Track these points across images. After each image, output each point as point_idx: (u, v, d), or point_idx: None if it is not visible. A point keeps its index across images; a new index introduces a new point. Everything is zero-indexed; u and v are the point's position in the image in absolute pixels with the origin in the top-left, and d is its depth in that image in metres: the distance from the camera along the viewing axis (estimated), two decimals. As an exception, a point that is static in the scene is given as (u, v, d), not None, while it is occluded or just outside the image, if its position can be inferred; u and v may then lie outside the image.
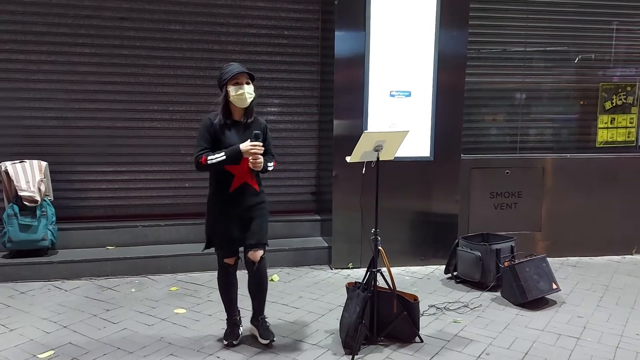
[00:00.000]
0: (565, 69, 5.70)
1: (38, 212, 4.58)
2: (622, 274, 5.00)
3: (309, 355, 3.29)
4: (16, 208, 4.55)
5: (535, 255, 4.32)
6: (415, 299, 3.48)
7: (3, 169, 4.60)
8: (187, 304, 4.10)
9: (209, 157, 3.11)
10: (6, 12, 4.73)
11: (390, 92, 4.90)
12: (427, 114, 4.98)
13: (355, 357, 3.24)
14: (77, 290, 4.38)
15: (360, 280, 3.46)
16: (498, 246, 4.47)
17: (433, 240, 5.12)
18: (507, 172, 5.39)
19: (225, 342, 3.39)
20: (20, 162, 4.67)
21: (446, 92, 4.97)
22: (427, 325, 3.72)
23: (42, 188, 4.63)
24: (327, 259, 5.12)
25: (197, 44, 5.14)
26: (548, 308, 4.11)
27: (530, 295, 4.06)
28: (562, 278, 4.71)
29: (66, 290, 4.36)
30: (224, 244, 3.32)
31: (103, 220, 5.10)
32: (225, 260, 3.35)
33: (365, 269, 3.47)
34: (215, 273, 3.45)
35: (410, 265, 5.10)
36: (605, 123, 5.82)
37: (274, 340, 3.39)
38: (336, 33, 4.76)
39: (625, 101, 5.82)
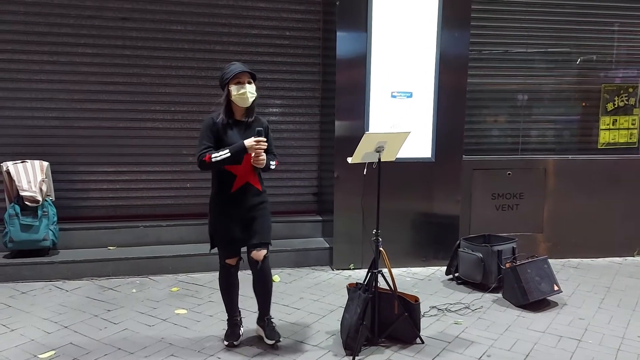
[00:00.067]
0: (567, 70, 5.70)
1: (39, 212, 4.58)
2: (623, 276, 4.99)
3: (309, 356, 3.28)
4: (17, 208, 4.55)
5: (536, 257, 4.31)
6: (417, 300, 3.47)
7: (5, 169, 4.61)
8: (188, 305, 4.10)
9: (213, 155, 3.11)
10: (8, 12, 4.74)
11: (392, 93, 4.89)
12: (428, 115, 4.97)
13: (356, 358, 3.23)
14: (78, 290, 4.38)
15: (362, 281, 3.45)
16: (499, 247, 4.46)
17: (434, 241, 5.12)
18: (509, 174, 5.39)
19: (226, 343, 3.39)
20: (21, 162, 4.67)
21: (448, 93, 4.97)
22: (428, 327, 3.71)
23: (44, 188, 4.63)
24: (329, 259, 5.12)
25: (198, 44, 5.14)
26: (549, 310, 4.11)
27: (532, 297, 4.05)
28: (563, 280, 4.70)
29: (67, 291, 4.36)
30: (225, 244, 3.31)
31: (104, 221, 5.10)
32: (227, 261, 3.34)
33: (367, 269, 3.46)
34: (217, 274, 3.45)
35: (411, 266, 5.09)
36: (607, 124, 5.81)
37: (279, 341, 3.38)
38: (338, 34, 4.76)
39: (627, 102, 5.81)
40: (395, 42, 4.84)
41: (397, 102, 4.91)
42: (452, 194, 5.11)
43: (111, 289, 4.43)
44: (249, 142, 3.12)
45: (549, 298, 4.22)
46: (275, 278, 4.70)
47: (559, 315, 4.00)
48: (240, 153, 3.14)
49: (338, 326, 3.47)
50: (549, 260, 4.34)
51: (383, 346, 3.40)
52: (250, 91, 3.19)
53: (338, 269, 5.01)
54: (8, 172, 4.59)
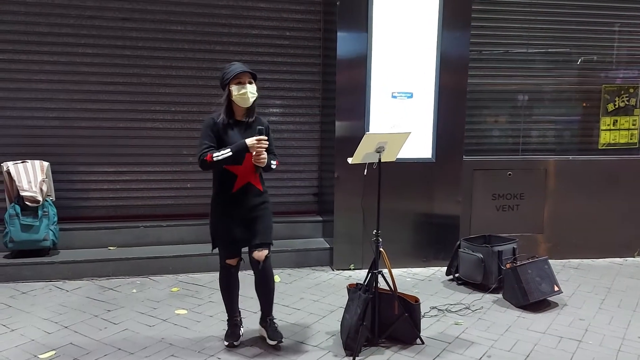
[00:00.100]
0: (568, 70, 5.69)
1: (40, 212, 4.58)
2: (624, 277, 4.98)
3: (310, 356, 3.28)
4: (18, 208, 4.55)
5: (537, 257, 4.31)
6: (417, 300, 3.47)
7: (5, 169, 4.61)
8: (189, 305, 4.10)
9: (215, 154, 3.10)
10: (9, 13, 4.74)
11: (392, 93, 4.89)
12: (429, 116, 4.97)
13: (356, 358, 3.23)
14: (78, 290, 4.38)
15: (362, 282, 3.45)
16: (500, 248, 4.46)
17: (435, 241, 5.11)
18: (509, 174, 5.38)
19: (226, 343, 3.39)
20: (22, 162, 4.68)
21: (448, 93, 4.96)
22: (428, 327, 3.71)
23: (44, 188, 4.63)
24: (329, 260, 5.12)
25: (198, 44, 5.14)
26: (550, 310, 4.10)
27: (532, 298, 4.05)
28: (564, 280, 4.70)
29: (67, 291, 4.36)
30: (226, 245, 3.31)
31: (105, 221, 5.10)
32: (227, 261, 3.34)
33: (367, 270, 3.46)
34: (217, 274, 3.45)
35: (411, 267, 5.09)
36: (608, 125, 5.81)
37: (282, 342, 3.37)
38: (338, 34, 4.76)
39: (627, 103, 5.81)
40: (395, 43, 4.84)
41: (397, 102, 4.91)
42: (452, 194, 5.10)
43: (111, 289, 4.43)
44: (250, 140, 3.12)
45: (549, 299, 4.22)
46: (276, 278, 4.68)
47: (559, 316, 3.99)
48: (242, 152, 3.13)
49: (338, 327, 3.47)
50: (550, 260, 4.34)
51: (383, 347, 3.40)
52: (251, 91, 3.19)
53: (338, 270, 5.01)
54: (8, 172, 4.59)
